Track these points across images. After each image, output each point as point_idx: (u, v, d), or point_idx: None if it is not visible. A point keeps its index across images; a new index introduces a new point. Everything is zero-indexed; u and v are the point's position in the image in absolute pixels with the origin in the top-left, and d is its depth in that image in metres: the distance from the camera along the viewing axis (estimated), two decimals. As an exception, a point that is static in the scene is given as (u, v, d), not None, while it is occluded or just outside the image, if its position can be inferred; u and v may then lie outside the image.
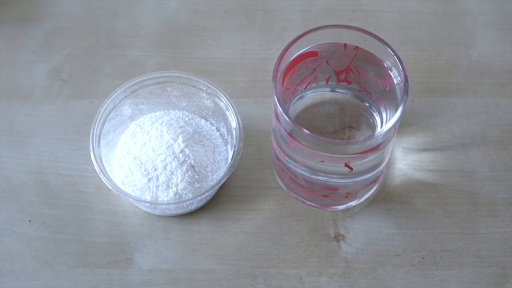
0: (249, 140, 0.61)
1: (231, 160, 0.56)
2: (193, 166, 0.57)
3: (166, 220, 0.59)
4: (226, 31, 0.68)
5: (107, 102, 0.58)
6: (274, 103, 0.50)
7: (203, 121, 0.61)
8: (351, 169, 0.52)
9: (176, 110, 0.61)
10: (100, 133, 0.58)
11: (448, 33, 0.68)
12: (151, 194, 0.57)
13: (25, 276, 0.57)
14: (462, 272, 0.56)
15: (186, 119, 0.61)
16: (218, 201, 0.59)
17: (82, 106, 0.64)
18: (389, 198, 0.59)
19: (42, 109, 0.63)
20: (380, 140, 0.50)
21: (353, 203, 0.58)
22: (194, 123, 0.60)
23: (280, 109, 0.50)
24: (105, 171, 0.56)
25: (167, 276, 0.56)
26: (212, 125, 0.61)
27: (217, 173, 0.58)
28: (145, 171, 0.57)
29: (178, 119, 0.60)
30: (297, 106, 0.58)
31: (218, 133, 0.61)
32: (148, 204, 0.57)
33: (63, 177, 0.60)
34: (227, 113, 0.59)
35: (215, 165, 0.59)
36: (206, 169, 0.58)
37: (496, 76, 0.65)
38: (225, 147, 0.60)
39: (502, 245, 0.57)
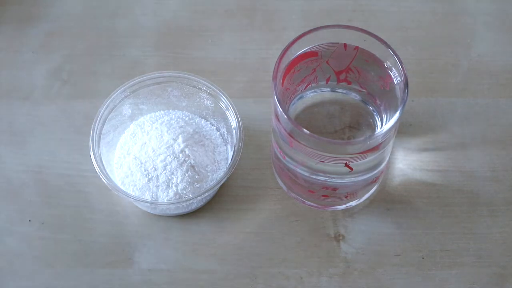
0: (249, 140, 0.61)
1: (231, 160, 0.56)
2: (193, 166, 0.57)
3: (166, 220, 0.59)
4: (226, 31, 0.68)
5: (107, 102, 0.58)
6: (274, 103, 0.50)
7: (203, 121, 0.61)
8: (351, 169, 0.52)
9: (176, 110, 0.61)
10: (100, 133, 0.58)
11: (448, 33, 0.68)
12: (151, 194, 0.57)
13: (25, 276, 0.56)
14: (462, 272, 0.56)
15: (186, 119, 0.61)
16: (218, 201, 0.59)
17: (82, 106, 0.64)
18: (389, 198, 0.59)
19: (42, 109, 0.63)
20: (380, 140, 0.50)
21: (353, 203, 0.58)
22: (194, 123, 0.60)
23: (280, 109, 0.50)
24: (105, 171, 0.56)
25: (167, 276, 0.56)
26: (212, 125, 0.61)
27: (217, 173, 0.58)
28: (145, 171, 0.57)
29: (178, 119, 0.60)
30: (297, 106, 0.58)
31: (218, 133, 0.61)
32: (148, 204, 0.57)
33: (63, 177, 0.60)
34: (227, 113, 0.59)
35: (215, 165, 0.59)
36: (206, 169, 0.58)
37: (496, 76, 0.65)
38: (225, 147, 0.60)
39: (502, 245, 0.57)
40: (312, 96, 0.58)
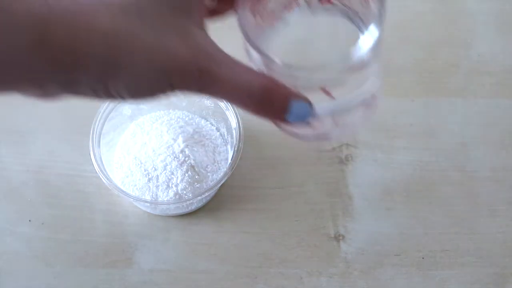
0: (249, 140, 0.61)
1: (231, 160, 0.56)
2: (193, 166, 0.57)
3: (166, 220, 0.59)
4: (226, 30, 0.68)
5: (107, 102, 0.58)
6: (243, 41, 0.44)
7: (203, 121, 0.61)
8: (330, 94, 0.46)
9: (176, 110, 0.61)
10: (100, 133, 0.58)
11: (448, 33, 0.67)
12: (151, 194, 0.57)
13: (25, 276, 0.56)
14: (462, 272, 0.56)
15: (186, 119, 0.61)
16: (218, 201, 0.59)
17: (82, 106, 0.63)
18: (389, 198, 0.59)
19: (42, 109, 0.63)
20: (359, 61, 0.41)
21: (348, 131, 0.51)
22: (194, 123, 0.60)
23: (248, 43, 0.43)
24: (105, 171, 0.56)
25: (167, 276, 0.56)
26: (212, 125, 0.61)
27: (217, 173, 0.58)
28: (145, 171, 0.57)
29: (178, 119, 0.60)
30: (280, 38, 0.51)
31: (218, 133, 0.61)
32: (148, 204, 0.57)
33: (63, 177, 0.60)
34: (227, 113, 0.59)
35: (215, 165, 0.59)
36: (206, 169, 0.58)
37: (496, 76, 0.65)
38: (225, 147, 0.60)
39: (502, 245, 0.57)
40: (295, 23, 0.51)
